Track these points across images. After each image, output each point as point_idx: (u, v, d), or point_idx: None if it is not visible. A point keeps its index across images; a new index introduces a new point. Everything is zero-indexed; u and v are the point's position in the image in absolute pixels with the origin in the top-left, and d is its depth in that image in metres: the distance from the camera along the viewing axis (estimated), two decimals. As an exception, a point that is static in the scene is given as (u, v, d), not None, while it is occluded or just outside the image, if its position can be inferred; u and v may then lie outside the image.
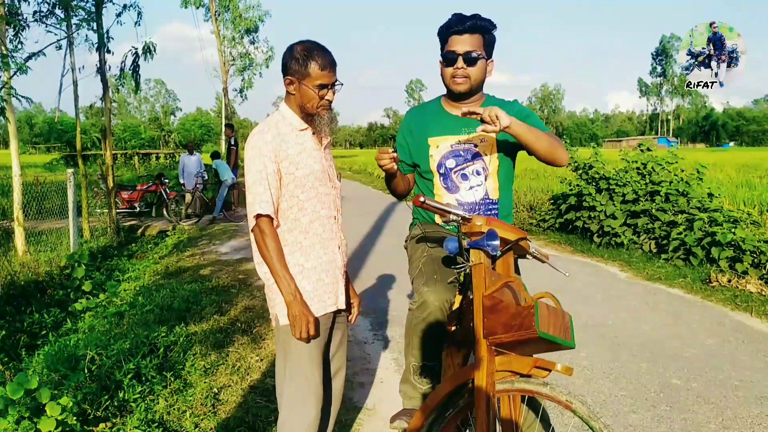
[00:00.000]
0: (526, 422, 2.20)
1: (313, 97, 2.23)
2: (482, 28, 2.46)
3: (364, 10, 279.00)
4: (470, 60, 2.47)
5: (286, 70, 2.25)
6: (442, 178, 2.60)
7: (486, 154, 2.56)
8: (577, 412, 1.86)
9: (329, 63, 2.23)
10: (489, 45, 2.50)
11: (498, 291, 1.96)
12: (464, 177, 2.56)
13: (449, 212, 2.11)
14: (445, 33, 2.51)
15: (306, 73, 2.20)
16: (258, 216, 2.19)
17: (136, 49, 10.39)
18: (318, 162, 2.31)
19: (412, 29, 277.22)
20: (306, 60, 2.20)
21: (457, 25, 2.46)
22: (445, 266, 2.39)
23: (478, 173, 2.56)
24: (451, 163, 2.57)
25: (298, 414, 2.28)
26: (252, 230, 2.23)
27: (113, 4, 10.27)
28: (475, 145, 2.56)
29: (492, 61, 2.56)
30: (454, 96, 2.60)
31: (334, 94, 2.28)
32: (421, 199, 2.14)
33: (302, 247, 2.28)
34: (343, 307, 2.41)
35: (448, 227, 2.55)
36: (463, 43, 2.46)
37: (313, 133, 2.33)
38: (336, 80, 2.27)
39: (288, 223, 2.28)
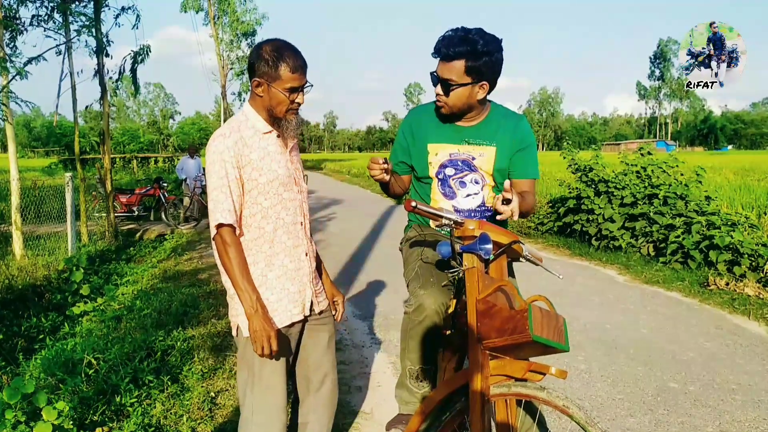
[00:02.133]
0: (524, 426, 2.20)
1: (282, 101, 2.13)
2: (465, 54, 2.29)
3: (363, 12, 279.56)
4: (445, 89, 2.38)
5: (253, 72, 2.15)
6: (440, 184, 2.57)
7: (482, 168, 2.53)
8: (574, 417, 1.85)
9: (300, 65, 2.13)
10: (477, 69, 2.32)
11: (491, 295, 1.96)
12: (462, 184, 2.55)
13: (441, 216, 2.09)
14: (434, 52, 2.40)
15: (276, 75, 2.10)
16: (219, 225, 2.08)
17: (135, 52, 10.40)
18: (283, 167, 2.22)
19: (411, 32, 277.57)
20: (276, 61, 2.09)
21: (438, 48, 2.35)
22: (439, 270, 2.39)
23: (476, 182, 2.54)
24: (450, 171, 2.55)
25: (264, 424, 2.24)
26: (213, 239, 2.12)
27: (109, 8, 10.29)
28: (473, 158, 2.53)
29: (485, 83, 2.39)
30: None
31: (304, 96, 2.19)
32: (413, 204, 2.11)
33: (266, 256, 2.20)
34: (317, 311, 2.35)
35: (441, 231, 2.54)
36: (443, 69, 2.36)
37: (278, 136, 2.24)
38: (306, 82, 2.17)
39: (252, 232, 2.19)
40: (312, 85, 2.22)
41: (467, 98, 2.40)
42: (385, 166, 2.33)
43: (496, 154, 2.51)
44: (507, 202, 2.10)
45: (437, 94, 2.43)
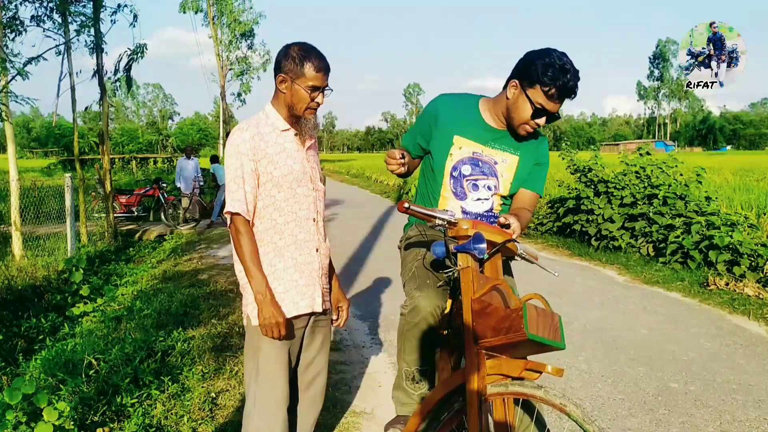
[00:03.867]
0: (522, 425, 2.19)
1: (304, 98, 2.23)
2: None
3: (362, 13, 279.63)
4: (552, 119, 2.37)
5: (279, 68, 2.25)
6: (452, 182, 2.51)
7: (503, 176, 2.50)
8: (571, 415, 1.85)
9: (324, 67, 2.24)
10: None
11: (486, 294, 1.96)
12: (475, 187, 2.50)
13: (435, 217, 2.08)
14: (549, 88, 2.25)
15: (301, 72, 2.20)
16: (233, 214, 2.20)
17: (131, 50, 10.40)
18: (298, 163, 2.31)
19: (410, 33, 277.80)
20: (302, 60, 2.20)
21: (567, 91, 2.26)
22: (435, 270, 2.38)
23: (489, 188, 2.50)
24: (467, 169, 2.49)
25: (266, 416, 2.28)
26: (229, 228, 2.25)
27: (106, 9, 10.30)
28: (496, 162, 2.49)
29: None
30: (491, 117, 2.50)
31: (324, 98, 2.29)
32: (405, 205, 2.09)
33: (277, 247, 2.28)
34: (320, 309, 2.38)
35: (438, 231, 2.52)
36: (556, 106, 2.31)
37: (296, 135, 2.33)
38: (327, 85, 2.28)
39: (264, 223, 2.28)
40: (332, 90, 2.31)
41: None
42: (403, 161, 2.35)
43: (518, 163, 2.49)
44: (506, 227, 2.14)
45: (538, 125, 2.39)
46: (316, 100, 2.26)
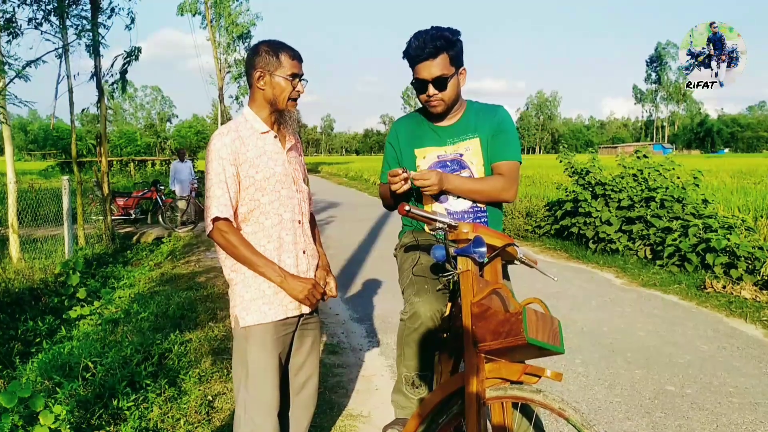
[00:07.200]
0: (520, 429, 2.19)
1: (285, 88, 2.25)
2: (445, 47, 2.38)
3: (360, 14, 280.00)
4: (441, 84, 2.42)
5: (253, 66, 2.26)
6: None
7: (473, 163, 2.54)
8: (570, 419, 1.85)
9: (298, 55, 2.28)
10: (456, 57, 2.43)
11: (486, 298, 1.96)
12: None
13: (435, 220, 2.09)
14: (410, 60, 2.45)
15: (278, 63, 2.23)
16: (216, 219, 2.18)
17: (126, 53, 10.41)
18: (280, 165, 2.30)
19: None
20: (276, 51, 2.23)
21: (419, 52, 2.40)
22: (434, 274, 2.39)
23: None
24: None
25: (256, 422, 2.26)
26: (211, 234, 2.21)
27: (103, 12, 10.30)
28: (461, 154, 2.55)
29: (464, 69, 2.50)
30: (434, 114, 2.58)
31: (303, 87, 2.31)
32: (406, 208, 2.11)
33: (266, 251, 2.26)
34: (308, 311, 2.38)
35: (437, 235, 2.54)
36: (430, 69, 2.40)
37: (275, 137, 2.32)
38: (303, 74, 2.30)
39: (250, 226, 2.27)
40: (307, 81, 2.33)
41: (457, 87, 2.49)
42: (405, 175, 2.34)
43: (481, 144, 2.54)
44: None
45: (431, 96, 2.46)
46: (297, 88, 2.27)
